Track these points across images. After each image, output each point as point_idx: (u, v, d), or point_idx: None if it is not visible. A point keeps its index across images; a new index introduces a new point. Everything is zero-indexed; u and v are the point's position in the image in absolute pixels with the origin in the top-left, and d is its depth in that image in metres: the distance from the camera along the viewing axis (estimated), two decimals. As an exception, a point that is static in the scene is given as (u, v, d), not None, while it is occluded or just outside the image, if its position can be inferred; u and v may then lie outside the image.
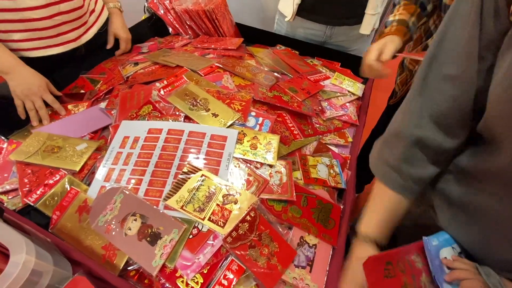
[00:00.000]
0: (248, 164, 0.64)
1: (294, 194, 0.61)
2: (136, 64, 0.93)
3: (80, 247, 0.53)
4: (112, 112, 0.78)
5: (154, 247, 0.51)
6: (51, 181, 0.62)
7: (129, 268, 0.51)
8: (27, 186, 0.61)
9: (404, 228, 0.57)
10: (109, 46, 0.98)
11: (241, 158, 0.65)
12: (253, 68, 0.92)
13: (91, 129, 0.74)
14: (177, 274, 0.50)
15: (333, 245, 0.58)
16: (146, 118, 0.72)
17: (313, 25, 1.06)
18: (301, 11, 1.03)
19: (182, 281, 0.49)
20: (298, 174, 0.68)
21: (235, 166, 0.63)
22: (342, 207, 0.66)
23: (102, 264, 0.50)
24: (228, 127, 0.70)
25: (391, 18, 0.82)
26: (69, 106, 0.80)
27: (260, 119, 0.75)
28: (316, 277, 0.54)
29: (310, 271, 0.54)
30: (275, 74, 0.92)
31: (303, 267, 0.54)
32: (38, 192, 0.60)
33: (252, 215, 0.55)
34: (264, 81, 0.87)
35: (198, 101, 0.75)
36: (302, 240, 0.57)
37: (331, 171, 0.72)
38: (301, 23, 1.08)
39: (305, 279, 0.52)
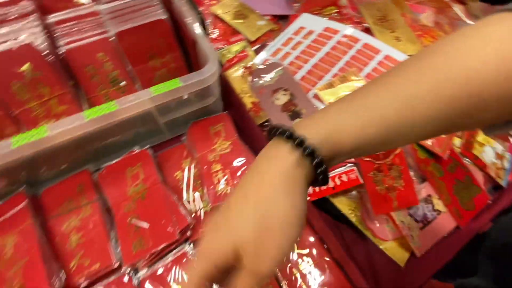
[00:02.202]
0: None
1: (447, 153, 0.53)
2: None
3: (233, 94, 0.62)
4: (295, 4, 0.81)
5: (291, 121, 0.55)
6: (232, 39, 0.73)
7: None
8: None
9: None
10: None
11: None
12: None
13: (272, 12, 0.80)
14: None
15: (460, 224, 0.50)
16: (327, 18, 0.71)
17: None
18: None
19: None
20: (457, 142, 0.58)
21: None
22: (489, 202, 0.54)
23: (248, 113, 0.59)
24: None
25: None
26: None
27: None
28: (423, 237, 0.49)
29: (421, 229, 0.49)
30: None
31: (416, 221, 0.49)
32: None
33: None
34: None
35: (388, 19, 0.68)
36: (429, 198, 0.51)
37: (498, 161, 0.58)
38: None
39: (412, 229, 0.48)
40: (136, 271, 0.45)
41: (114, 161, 0.53)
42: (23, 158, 0.42)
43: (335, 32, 0.66)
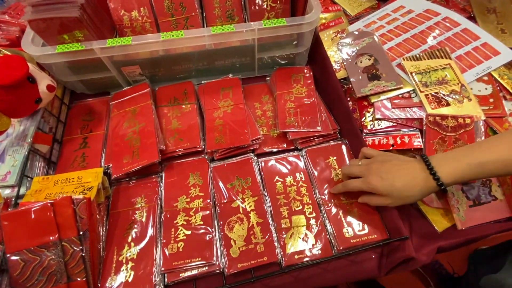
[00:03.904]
0: (498, 88, 0.57)
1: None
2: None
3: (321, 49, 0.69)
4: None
5: (368, 82, 0.60)
6: (330, 8, 0.79)
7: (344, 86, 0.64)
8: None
9: None
10: None
11: (498, 81, 0.58)
12: None
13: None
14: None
15: (514, 217, 0.50)
16: (430, 1, 0.72)
17: None
18: None
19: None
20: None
21: (483, 82, 0.58)
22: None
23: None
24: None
25: None
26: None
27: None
28: (469, 215, 0.50)
29: (470, 207, 0.50)
30: None
31: (468, 197, 0.51)
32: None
33: (466, 122, 0.52)
34: None
35: (497, 11, 0.66)
36: (487, 183, 0.51)
37: None
38: None
39: (460, 203, 0.50)
40: (212, 159, 0.57)
41: (212, 80, 0.66)
42: (147, 57, 0.58)
43: (436, 14, 0.67)
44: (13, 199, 0.48)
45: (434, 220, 0.50)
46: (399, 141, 0.54)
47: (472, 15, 0.68)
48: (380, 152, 0.50)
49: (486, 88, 0.57)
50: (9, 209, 0.47)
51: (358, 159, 0.51)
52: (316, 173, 0.55)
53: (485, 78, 0.58)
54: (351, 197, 0.52)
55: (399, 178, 0.44)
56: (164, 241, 0.48)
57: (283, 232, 0.49)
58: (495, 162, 0.40)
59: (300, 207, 0.51)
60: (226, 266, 0.45)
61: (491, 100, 0.56)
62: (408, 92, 0.58)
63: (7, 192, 0.49)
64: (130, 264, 0.46)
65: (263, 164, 0.56)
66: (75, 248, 0.42)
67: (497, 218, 0.50)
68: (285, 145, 0.59)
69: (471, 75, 0.57)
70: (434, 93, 0.56)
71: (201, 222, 0.49)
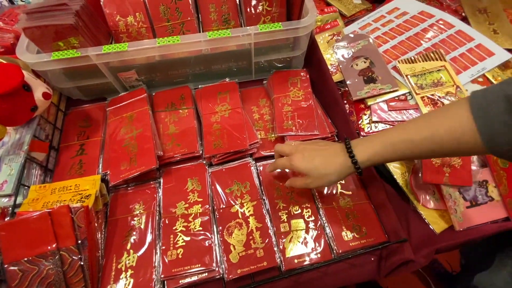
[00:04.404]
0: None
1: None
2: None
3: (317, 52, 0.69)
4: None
5: (364, 85, 0.60)
6: (325, 10, 0.79)
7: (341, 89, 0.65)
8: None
9: None
10: None
11: (492, 83, 0.58)
12: None
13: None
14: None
15: (511, 216, 0.50)
16: (425, 3, 0.73)
17: None
18: None
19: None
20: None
21: (479, 83, 0.58)
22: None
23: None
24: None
25: None
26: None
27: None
28: (467, 216, 0.50)
29: (467, 208, 0.51)
30: None
31: (464, 199, 0.51)
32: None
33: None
34: None
35: (488, 12, 0.67)
36: (483, 184, 0.52)
37: None
38: None
39: (457, 204, 0.50)
40: (210, 164, 0.57)
41: (209, 84, 0.66)
42: (143, 63, 0.58)
43: (430, 16, 0.67)
44: (10, 208, 0.48)
45: (432, 222, 0.51)
46: (396, 143, 0.54)
47: (463, 14, 0.69)
48: (317, 140, 0.52)
49: (480, 89, 0.58)
50: (6, 219, 0.47)
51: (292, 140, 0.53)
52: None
53: (480, 79, 0.59)
54: (351, 200, 0.52)
55: (319, 157, 0.45)
56: (163, 247, 0.48)
57: (282, 236, 0.49)
58: (404, 141, 0.40)
59: (299, 211, 0.51)
60: (226, 272, 0.45)
61: (486, 101, 0.56)
62: (404, 94, 0.58)
63: (4, 201, 0.49)
64: (129, 272, 0.46)
65: (261, 168, 0.56)
66: (73, 257, 0.42)
67: (494, 219, 0.50)
68: (283, 149, 0.59)
69: (466, 77, 0.58)
70: (430, 95, 0.56)
71: (200, 228, 0.49)
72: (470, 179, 0.51)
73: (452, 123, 0.37)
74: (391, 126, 0.56)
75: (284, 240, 0.49)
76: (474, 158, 0.54)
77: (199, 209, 0.51)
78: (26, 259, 0.41)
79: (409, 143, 0.40)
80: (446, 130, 0.37)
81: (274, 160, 0.53)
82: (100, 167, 0.56)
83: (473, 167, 0.52)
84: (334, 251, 0.48)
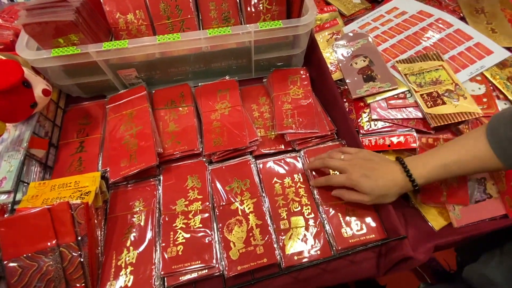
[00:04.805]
0: (491, 88, 0.58)
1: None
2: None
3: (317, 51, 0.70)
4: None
5: (364, 83, 0.61)
6: (325, 9, 0.80)
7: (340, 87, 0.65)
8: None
9: None
10: None
11: (491, 81, 0.59)
12: None
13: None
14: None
15: (509, 213, 0.51)
16: (424, 3, 0.73)
17: None
18: None
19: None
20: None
21: (477, 82, 0.58)
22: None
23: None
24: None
25: None
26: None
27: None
28: (465, 212, 0.50)
29: (465, 205, 0.51)
30: None
31: (463, 196, 0.51)
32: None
33: (462, 120, 0.53)
34: None
35: (485, 11, 0.67)
36: (482, 181, 0.52)
37: None
38: None
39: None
40: (210, 161, 0.57)
41: (209, 82, 0.66)
42: (143, 60, 0.58)
43: (429, 15, 0.68)
44: (10, 205, 0.48)
45: (430, 219, 0.51)
46: (395, 141, 0.55)
47: (462, 15, 0.69)
48: (357, 149, 0.52)
49: (479, 88, 0.58)
50: (5, 215, 0.47)
51: (339, 153, 0.52)
52: (314, 174, 0.55)
53: (478, 78, 0.59)
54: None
55: (382, 178, 0.47)
56: (163, 244, 0.48)
57: (282, 234, 0.49)
58: (456, 162, 0.45)
59: (299, 208, 0.52)
60: (226, 268, 0.45)
61: (485, 99, 0.57)
62: (403, 92, 0.59)
63: (3, 198, 0.49)
64: (129, 269, 0.46)
65: (261, 165, 0.57)
66: (73, 253, 0.42)
67: (492, 216, 0.51)
68: (282, 147, 0.60)
69: (465, 75, 0.58)
70: (429, 93, 0.56)
71: (200, 225, 0.49)
72: (467, 199, 0.51)
73: (472, 147, 0.44)
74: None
75: (284, 237, 0.49)
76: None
77: (199, 206, 0.51)
78: (25, 255, 0.40)
79: (461, 163, 0.45)
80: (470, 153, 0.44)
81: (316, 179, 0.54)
82: (100, 164, 0.56)
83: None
84: (334, 248, 0.48)
